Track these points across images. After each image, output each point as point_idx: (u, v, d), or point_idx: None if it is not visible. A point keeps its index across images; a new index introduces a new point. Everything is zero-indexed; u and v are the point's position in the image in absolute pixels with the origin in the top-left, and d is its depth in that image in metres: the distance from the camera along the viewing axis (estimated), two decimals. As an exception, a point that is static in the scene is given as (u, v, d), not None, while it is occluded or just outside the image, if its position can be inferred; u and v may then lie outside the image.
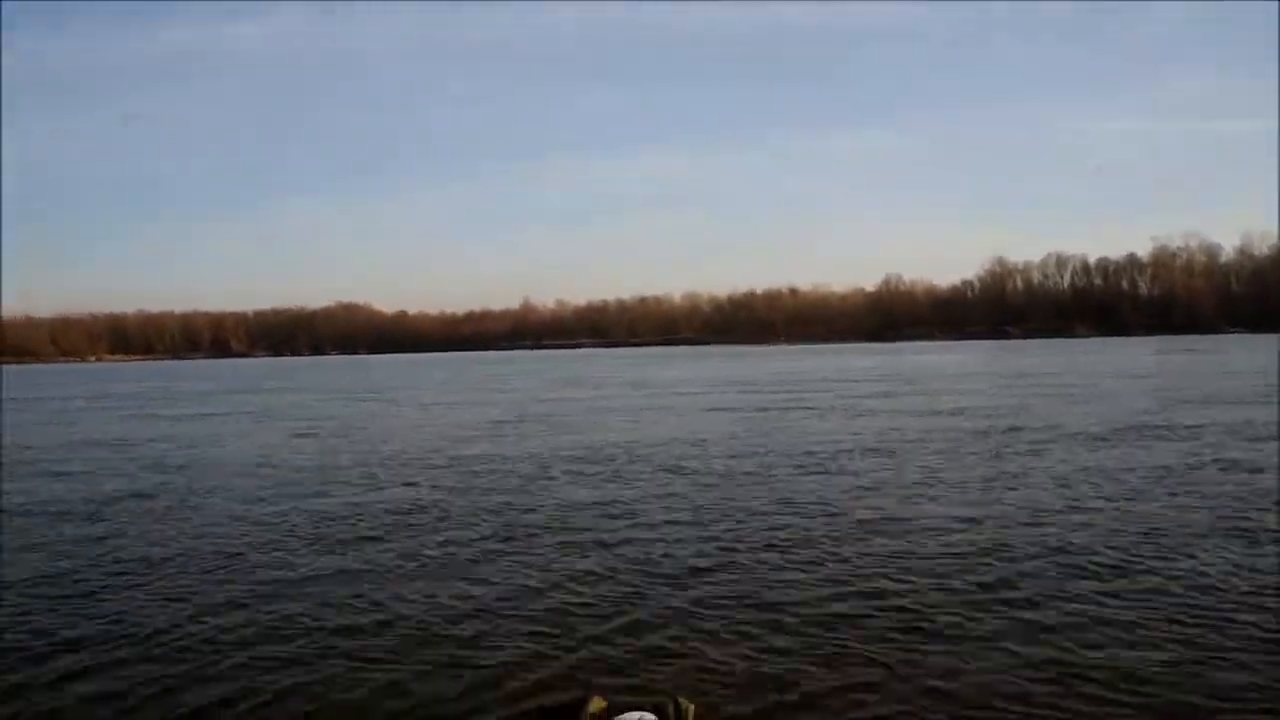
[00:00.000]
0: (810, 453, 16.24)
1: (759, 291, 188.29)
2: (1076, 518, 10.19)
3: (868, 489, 12.50)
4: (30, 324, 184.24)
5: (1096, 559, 8.34)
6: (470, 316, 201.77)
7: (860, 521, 10.36)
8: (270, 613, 7.32)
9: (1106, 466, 13.78)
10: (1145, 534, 9.27)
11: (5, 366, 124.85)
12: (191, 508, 12.38)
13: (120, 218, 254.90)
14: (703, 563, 8.66)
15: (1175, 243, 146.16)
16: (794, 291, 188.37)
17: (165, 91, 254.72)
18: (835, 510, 11.02)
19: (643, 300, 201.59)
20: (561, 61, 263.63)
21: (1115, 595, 7.27)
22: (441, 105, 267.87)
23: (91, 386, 56.93)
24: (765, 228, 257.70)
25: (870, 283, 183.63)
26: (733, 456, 16.12)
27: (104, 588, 8.25)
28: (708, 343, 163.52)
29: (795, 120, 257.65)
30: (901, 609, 7.08)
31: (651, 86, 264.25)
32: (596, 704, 4.51)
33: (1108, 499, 11.22)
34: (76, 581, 8.51)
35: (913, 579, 7.88)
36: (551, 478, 14.28)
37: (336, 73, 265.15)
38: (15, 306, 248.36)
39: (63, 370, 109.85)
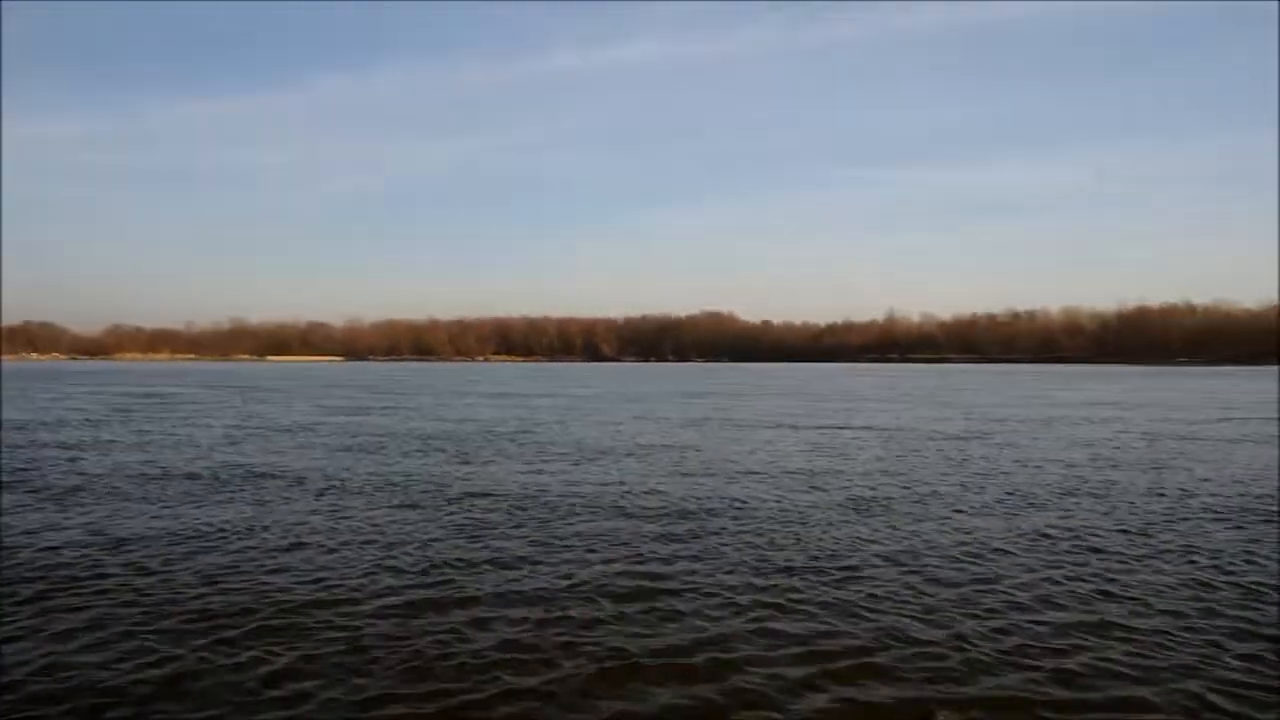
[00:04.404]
0: None
1: (1153, 306, 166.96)
2: None
3: None
4: (434, 327, 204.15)
5: None
6: (832, 328, 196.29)
7: None
8: None
9: None
10: None
11: (414, 361, 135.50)
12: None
13: (505, 231, 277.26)
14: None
15: None
16: (1192, 307, 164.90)
17: (542, 110, 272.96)
18: None
19: (1015, 315, 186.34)
20: (925, 64, 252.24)
21: None
22: (803, 112, 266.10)
23: (516, 384, 56.64)
24: (1149, 237, 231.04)
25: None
26: None
27: None
28: (1090, 361, 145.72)
29: (1189, 121, 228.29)
30: None
31: (1014, 91, 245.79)
32: None
33: None
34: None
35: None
36: None
37: (695, 89, 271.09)
38: (420, 309, 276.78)
39: (466, 369, 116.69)
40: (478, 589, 7.12)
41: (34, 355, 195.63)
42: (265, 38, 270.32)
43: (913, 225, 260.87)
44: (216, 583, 7.27)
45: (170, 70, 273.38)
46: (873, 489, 12.47)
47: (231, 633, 6.04)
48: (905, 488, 12.60)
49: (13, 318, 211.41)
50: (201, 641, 5.87)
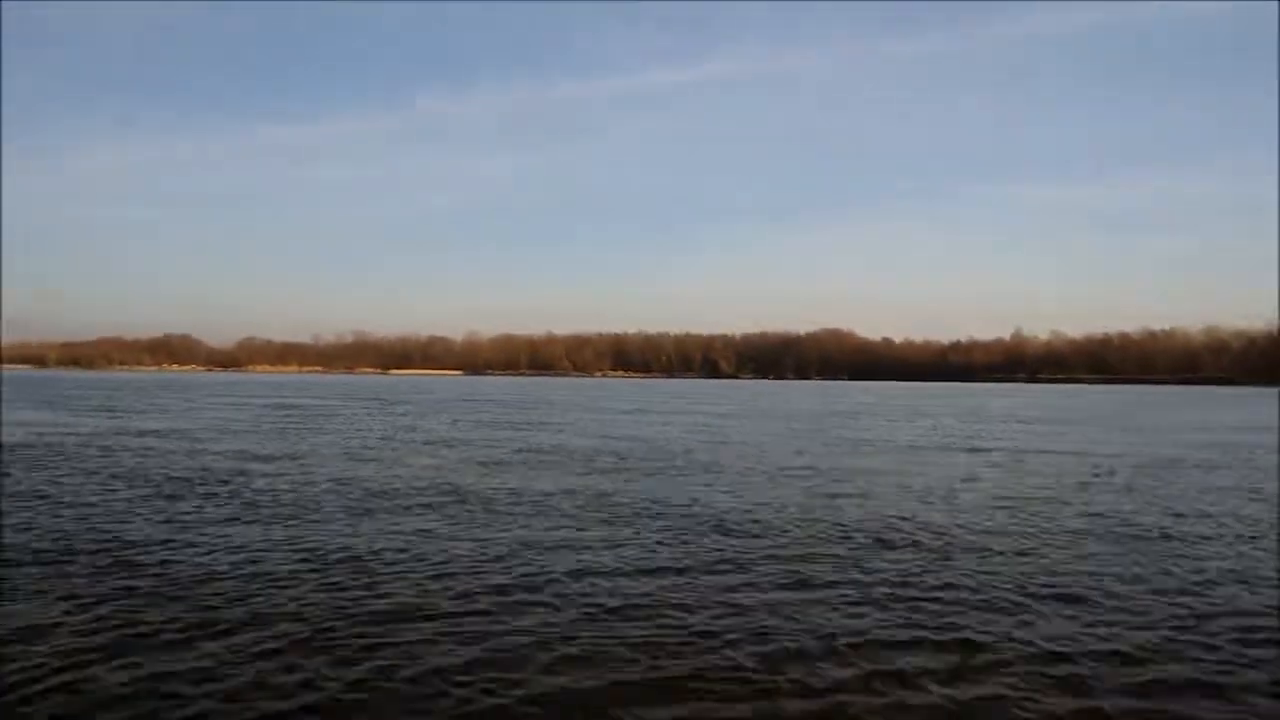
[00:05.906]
0: None
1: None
2: None
3: None
4: (551, 342, 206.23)
5: None
6: (957, 346, 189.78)
7: None
8: None
9: None
10: None
11: (531, 376, 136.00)
12: None
13: (618, 246, 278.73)
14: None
15: None
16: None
17: (645, 124, 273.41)
18: None
19: (1152, 334, 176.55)
20: (1046, 74, 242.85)
21: None
22: (916, 127, 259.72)
23: (644, 400, 55.33)
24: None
25: None
26: None
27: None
28: (1237, 383, 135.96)
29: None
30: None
31: (1144, 102, 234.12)
32: None
33: None
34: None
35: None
36: None
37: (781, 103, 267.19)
38: (539, 326, 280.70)
39: (585, 384, 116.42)
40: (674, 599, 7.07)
41: (174, 366, 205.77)
42: (366, 56, 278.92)
43: (1037, 241, 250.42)
44: (392, 597, 7.09)
45: (276, 90, 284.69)
46: (1104, 518, 11.08)
47: (412, 636, 6.02)
48: (1138, 518, 11.08)
49: (154, 331, 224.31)
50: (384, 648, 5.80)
